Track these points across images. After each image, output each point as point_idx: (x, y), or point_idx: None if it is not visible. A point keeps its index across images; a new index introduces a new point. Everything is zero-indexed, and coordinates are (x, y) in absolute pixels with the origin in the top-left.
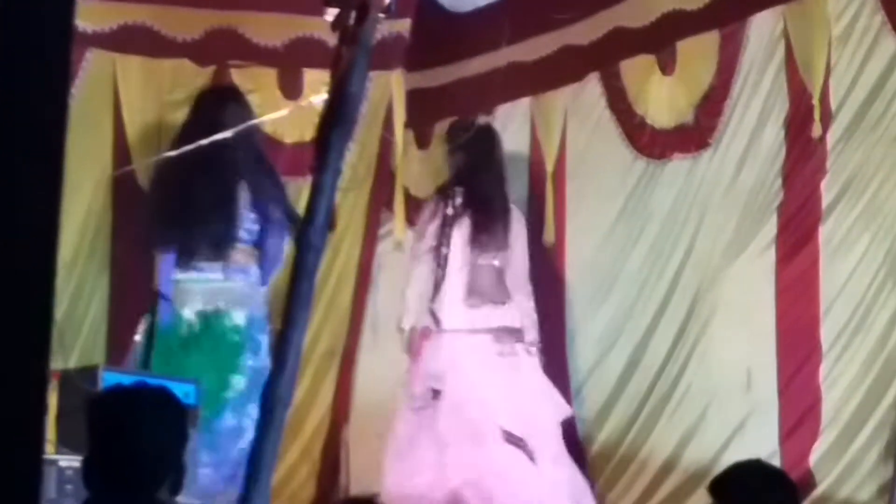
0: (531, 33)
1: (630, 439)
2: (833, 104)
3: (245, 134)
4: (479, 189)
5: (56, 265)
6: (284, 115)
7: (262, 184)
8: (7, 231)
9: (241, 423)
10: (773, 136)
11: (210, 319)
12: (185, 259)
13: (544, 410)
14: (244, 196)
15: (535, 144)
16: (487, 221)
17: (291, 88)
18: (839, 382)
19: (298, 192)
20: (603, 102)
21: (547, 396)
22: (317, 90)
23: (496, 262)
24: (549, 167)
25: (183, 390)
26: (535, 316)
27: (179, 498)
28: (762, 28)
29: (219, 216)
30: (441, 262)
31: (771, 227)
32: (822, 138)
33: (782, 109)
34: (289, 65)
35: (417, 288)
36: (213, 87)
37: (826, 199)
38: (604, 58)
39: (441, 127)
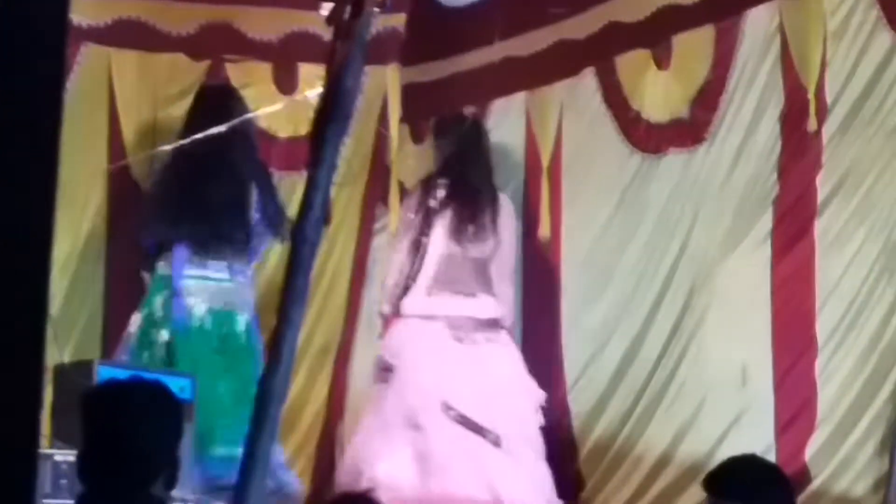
0: (526, 28)
1: (625, 434)
2: (829, 99)
3: (247, 131)
4: (463, 181)
5: (51, 260)
6: (279, 109)
7: (263, 181)
8: (2, 226)
9: None
10: (769, 131)
11: (220, 318)
12: (200, 255)
13: (512, 398)
14: (254, 194)
15: (530, 139)
16: (471, 212)
17: (286, 83)
18: (835, 377)
19: (293, 186)
20: (598, 97)
21: (517, 385)
22: (312, 85)
23: (475, 253)
24: (545, 162)
25: (178, 385)
26: (511, 305)
27: (174, 492)
28: (758, 22)
29: (234, 214)
30: (419, 252)
31: (766, 222)
32: (818, 133)
33: (778, 104)
34: (284, 59)
35: (394, 276)
36: (215, 85)
37: (821, 193)
38: (599, 52)
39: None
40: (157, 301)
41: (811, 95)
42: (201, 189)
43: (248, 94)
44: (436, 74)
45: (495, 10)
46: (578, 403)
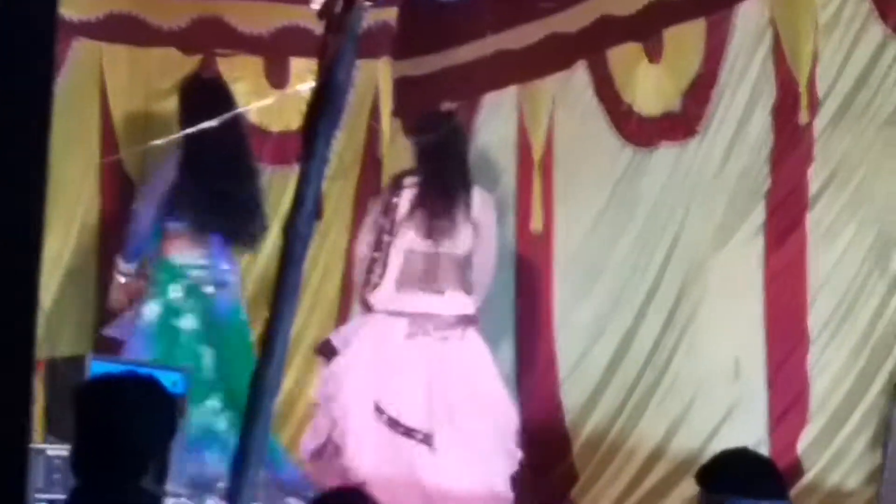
0: (518, 21)
1: (618, 428)
2: (820, 92)
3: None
4: (434, 177)
5: (42, 255)
6: (271, 103)
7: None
8: None
9: None
10: (761, 124)
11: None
12: (233, 248)
13: (468, 394)
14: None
15: (522, 132)
16: (440, 209)
17: (278, 77)
18: (827, 370)
19: (285, 180)
20: (590, 90)
21: (476, 381)
22: (303, 79)
23: (446, 249)
24: (537, 155)
25: (171, 379)
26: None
27: (168, 487)
28: (749, 15)
29: (252, 206)
30: (382, 249)
31: (759, 215)
32: (810, 126)
33: (770, 97)
34: (275, 53)
35: (358, 273)
36: (207, 78)
37: (813, 186)
38: (591, 45)
39: None
40: (174, 290)
41: (803, 88)
42: (227, 180)
43: (239, 89)
44: (427, 68)
45: (486, 3)
46: (571, 397)
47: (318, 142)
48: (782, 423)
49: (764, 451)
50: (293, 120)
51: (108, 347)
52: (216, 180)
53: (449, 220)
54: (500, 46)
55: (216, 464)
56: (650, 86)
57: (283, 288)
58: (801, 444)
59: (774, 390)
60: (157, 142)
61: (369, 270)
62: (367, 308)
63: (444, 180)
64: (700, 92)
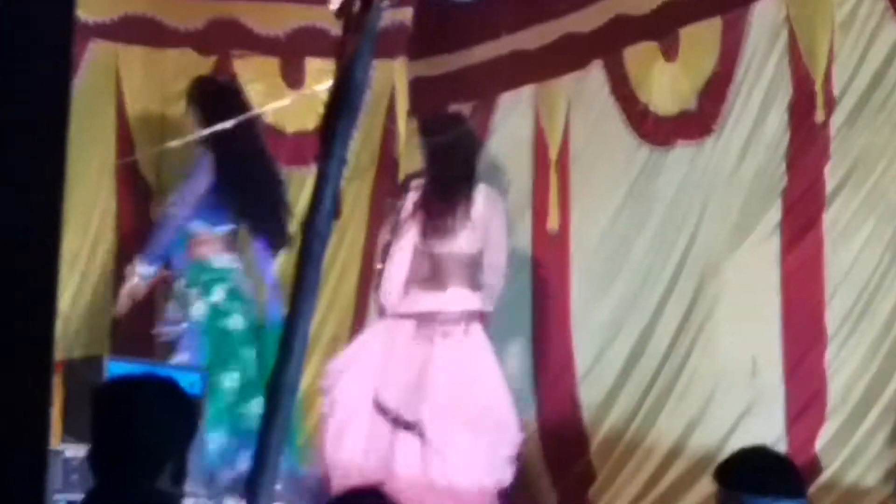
0: (533, 21)
1: (636, 426)
2: (836, 90)
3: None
4: (438, 178)
5: (59, 255)
6: (287, 104)
7: None
8: (11, 221)
9: None
10: (777, 122)
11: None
12: (272, 252)
13: (465, 388)
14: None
15: (538, 132)
16: (440, 209)
17: (294, 77)
18: (844, 368)
19: (302, 181)
20: (606, 90)
21: (474, 376)
22: (319, 79)
23: (445, 249)
24: (553, 155)
25: (188, 380)
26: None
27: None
28: (765, 14)
29: (284, 206)
30: (389, 253)
31: (775, 213)
32: (826, 124)
33: (786, 95)
34: (291, 54)
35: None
36: (221, 80)
37: (830, 184)
38: (606, 45)
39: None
40: (217, 292)
41: (819, 87)
42: (261, 183)
43: (255, 90)
44: (443, 68)
45: (502, 4)
46: (588, 396)
47: (335, 142)
48: (799, 422)
49: (781, 449)
50: (309, 120)
51: (161, 350)
52: (251, 183)
53: (451, 220)
54: (515, 46)
55: None
56: (666, 85)
57: (301, 287)
58: (819, 442)
59: (791, 388)
60: (173, 143)
61: (381, 275)
62: (382, 312)
63: (447, 182)
64: (716, 91)
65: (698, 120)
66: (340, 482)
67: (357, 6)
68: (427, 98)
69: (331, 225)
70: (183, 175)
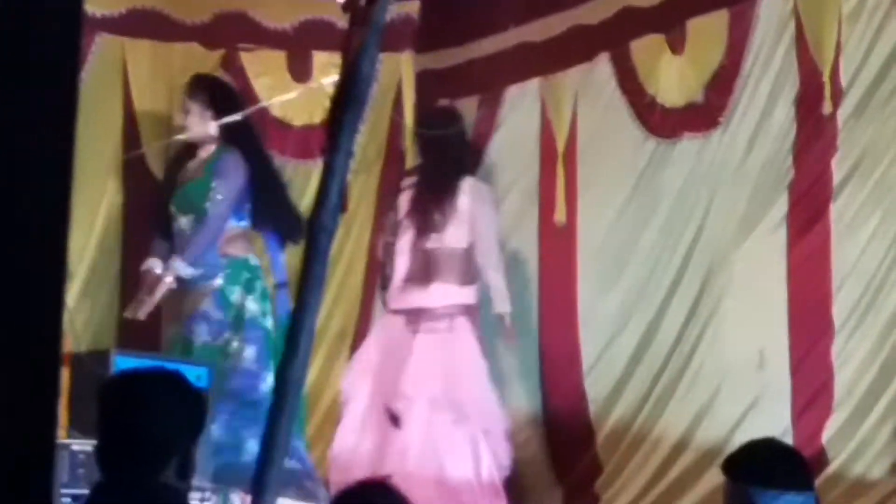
0: (540, 14)
1: (642, 418)
2: (843, 82)
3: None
4: (427, 174)
5: (67, 249)
6: (294, 97)
7: None
8: (18, 216)
9: None
10: (784, 114)
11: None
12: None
13: (447, 381)
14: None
15: (545, 125)
16: (430, 206)
17: (301, 71)
18: (851, 360)
19: (308, 175)
20: (613, 82)
21: (454, 368)
22: (326, 72)
23: (432, 245)
24: (560, 147)
25: (195, 374)
26: (502, 290)
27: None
28: (772, 6)
29: (291, 201)
30: (388, 250)
31: (782, 205)
32: (833, 116)
33: (793, 87)
34: (298, 47)
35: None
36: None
37: (837, 176)
38: (613, 37)
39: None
40: (259, 289)
41: (826, 78)
42: (275, 179)
43: (262, 83)
44: (450, 61)
45: None
46: (595, 388)
47: (342, 135)
48: (806, 414)
49: (788, 441)
50: (316, 114)
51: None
52: (269, 179)
53: (439, 215)
54: (522, 39)
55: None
56: (673, 77)
57: (308, 281)
58: (826, 435)
59: (798, 381)
60: (180, 137)
61: (382, 271)
62: (385, 307)
63: (436, 176)
64: (723, 83)
65: (705, 112)
66: (342, 476)
67: None
68: (434, 91)
69: (337, 219)
70: (215, 173)
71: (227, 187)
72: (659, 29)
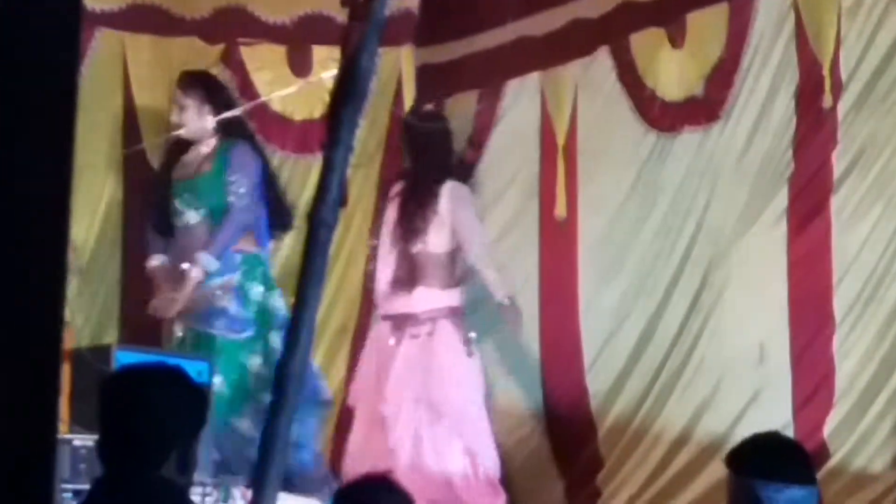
0: (540, 7)
1: (643, 412)
2: (843, 75)
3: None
4: (411, 176)
5: (67, 244)
6: (294, 92)
7: None
8: (18, 211)
9: None
10: (784, 108)
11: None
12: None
13: (427, 384)
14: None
15: (545, 119)
16: (412, 211)
17: (300, 65)
18: (852, 353)
19: (308, 169)
20: (613, 76)
21: (435, 371)
22: (326, 67)
23: (415, 249)
24: (560, 141)
25: (196, 369)
26: (499, 286)
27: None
28: (771, 0)
29: (283, 195)
30: (378, 256)
31: (782, 199)
32: (833, 109)
33: (793, 81)
34: (298, 42)
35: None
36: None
37: (837, 169)
38: (613, 31)
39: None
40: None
41: (826, 72)
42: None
43: (262, 78)
44: (450, 55)
45: None
46: (596, 383)
47: (342, 129)
48: (807, 407)
49: (789, 434)
50: (316, 108)
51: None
52: (267, 172)
53: (421, 220)
54: (522, 33)
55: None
56: (673, 71)
57: (308, 276)
58: (827, 428)
59: (799, 374)
60: (181, 132)
61: (374, 278)
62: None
63: (419, 179)
64: (723, 77)
65: (705, 106)
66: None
67: None
68: (434, 85)
69: (337, 213)
70: (229, 166)
71: (248, 179)
72: (659, 22)
